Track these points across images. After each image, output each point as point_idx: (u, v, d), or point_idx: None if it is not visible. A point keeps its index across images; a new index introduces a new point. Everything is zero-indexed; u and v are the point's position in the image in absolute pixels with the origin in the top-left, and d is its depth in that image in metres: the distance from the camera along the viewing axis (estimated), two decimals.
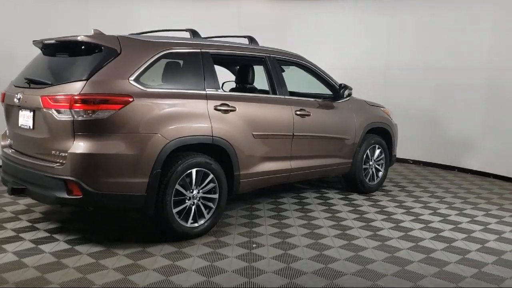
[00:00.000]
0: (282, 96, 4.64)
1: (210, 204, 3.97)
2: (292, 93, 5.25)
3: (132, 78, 3.56)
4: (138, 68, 3.62)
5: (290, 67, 5.28)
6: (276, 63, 4.72)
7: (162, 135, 3.60)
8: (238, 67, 5.23)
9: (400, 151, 7.75)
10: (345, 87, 5.17)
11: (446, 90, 7.44)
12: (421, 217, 4.75)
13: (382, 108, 5.94)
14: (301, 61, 5.05)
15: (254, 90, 4.85)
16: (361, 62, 8.27)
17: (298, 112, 4.68)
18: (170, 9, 7.64)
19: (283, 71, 5.33)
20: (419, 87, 7.75)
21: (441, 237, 4.17)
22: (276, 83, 4.63)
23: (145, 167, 3.53)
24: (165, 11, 7.61)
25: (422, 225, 4.47)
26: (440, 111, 7.54)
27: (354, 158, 5.43)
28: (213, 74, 4.07)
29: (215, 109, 3.98)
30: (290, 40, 8.02)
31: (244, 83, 4.81)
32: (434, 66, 7.53)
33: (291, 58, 4.96)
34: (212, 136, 3.91)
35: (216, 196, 4.00)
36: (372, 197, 5.53)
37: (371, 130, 5.63)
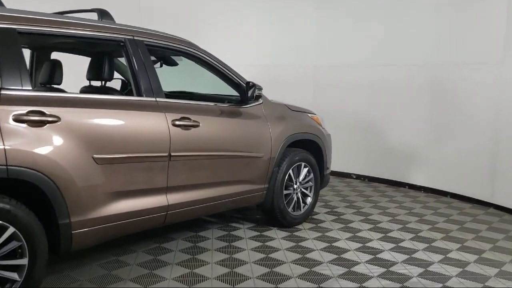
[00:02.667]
0: (151, 99, 3.14)
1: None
2: (174, 95, 3.80)
3: None
4: None
5: (184, 59, 3.82)
6: (145, 50, 3.22)
7: None
8: (91, 57, 3.62)
9: (341, 164, 6.44)
10: (253, 86, 3.73)
11: (389, 90, 6.18)
12: (357, 269, 3.37)
13: (309, 115, 4.55)
14: (189, 49, 3.56)
15: (112, 91, 3.34)
16: (285, 59, 6.92)
17: (177, 122, 3.19)
18: None
19: (161, 62, 3.86)
20: (358, 87, 6.46)
21: None
22: (142, 79, 3.13)
23: None
24: None
25: (357, 286, 3.09)
26: (384, 115, 6.27)
27: (270, 182, 4.00)
28: (18, 63, 2.53)
29: (17, 119, 2.44)
30: (203, 32, 6.58)
31: (93, 78, 3.30)
32: (370, 63, 6.26)
33: (173, 45, 3.46)
34: (7, 165, 2.37)
35: (24, 262, 2.46)
36: (296, 233, 4.12)
37: (294, 143, 4.24)
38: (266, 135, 3.90)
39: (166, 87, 4.69)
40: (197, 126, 3.32)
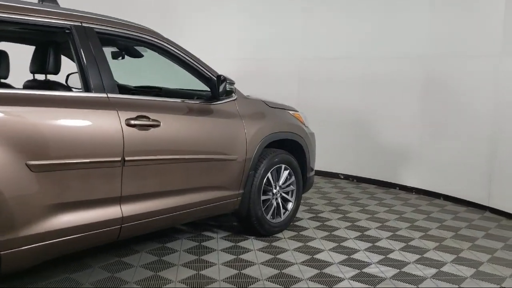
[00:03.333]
0: (101, 95, 2.71)
1: None
2: (139, 90, 3.42)
3: None
4: None
5: (148, 50, 3.40)
6: (95, 39, 2.78)
7: None
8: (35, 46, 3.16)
9: (328, 164, 6.06)
10: (224, 80, 3.31)
11: (380, 85, 5.79)
12: (340, 286, 2.98)
13: (290, 112, 4.15)
14: (150, 39, 3.12)
15: (57, 86, 2.91)
16: (269, 52, 6.51)
17: (133, 122, 2.77)
18: None
19: (123, 53, 3.47)
20: (346, 82, 6.06)
21: None
22: (91, 72, 2.71)
23: None
24: None
25: None
26: (375, 111, 5.88)
27: (245, 187, 3.60)
28: None
29: None
30: (186, 26, 6.15)
31: (37, 71, 2.87)
32: (360, 56, 5.87)
33: (130, 33, 3.02)
34: None
35: None
36: (275, 242, 3.72)
37: (273, 143, 3.84)
38: (241, 135, 3.49)
39: (139, 82, 4.30)
40: (157, 125, 2.90)
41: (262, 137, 3.67)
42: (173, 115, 3.05)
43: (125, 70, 4.07)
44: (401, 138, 5.67)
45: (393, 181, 5.82)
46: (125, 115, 2.74)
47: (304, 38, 6.38)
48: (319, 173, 6.29)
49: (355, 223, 4.30)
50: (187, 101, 3.26)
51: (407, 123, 5.59)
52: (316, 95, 6.30)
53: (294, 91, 6.44)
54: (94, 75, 2.69)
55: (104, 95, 2.70)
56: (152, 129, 2.87)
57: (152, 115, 2.88)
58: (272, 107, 3.94)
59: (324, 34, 6.21)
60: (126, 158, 2.72)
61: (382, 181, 5.91)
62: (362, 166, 6.09)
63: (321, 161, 5.85)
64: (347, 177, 6.25)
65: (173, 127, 3.02)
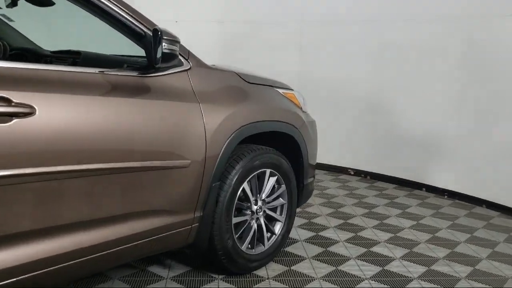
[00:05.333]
0: None
1: None
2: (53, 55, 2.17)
3: None
4: None
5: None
6: None
7: None
8: None
9: (335, 156, 4.80)
10: (160, 36, 1.97)
11: (404, 56, 4.45)
12: None
13: (280, 90, 2.83)
14: None
15: None
16: (262, 13, 5.17)
17: None
18: None
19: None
20: (360, 52, 4.72)
21: None
22: None
23: None
24: None
25: None
26: (397, 91, 4.56)
27: (205, 207, 2.31)
28: None
29: None
30: None
31: None
32: (379, 18, 4.52)
33: None
34: None
35: None
36: (255, 286, 2.48)
37: (252, 138, 2.54)
38: (195, 127, 2.19)
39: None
40: (28, 114, 1.61)
41: (234, 129, 2.37)
42: (63, 97, 1.75)
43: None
44: (430, 125, 4.35)
45: (418, 180, 4.53)
46: None
47: None
48: (323, 167, 5.01)
49: (371, 249, 3.03)
50: (109, 72, 1.96)
51: (439, 106, 4.27)
52: (321, 69, 4.97)
53: (295, 63, 5.10)
54: None
55: None
56: (16, 121, 1.58)
57: (18, 97, 1.59)
58: (252, 83, 2.63)
59: None
60: None
61: (404, 179, 4.62)
62: (378, 160, 4.79)
63: (326, 153, 4.57)
64: (358, 173, 4.96)
65: (61, 116, 1.72)
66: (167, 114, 2.09)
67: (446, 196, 4.32)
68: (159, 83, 2.10)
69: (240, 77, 2.55)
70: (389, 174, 4.73)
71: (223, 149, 2.32)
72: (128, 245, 2.00)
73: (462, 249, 3.11)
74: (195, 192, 2.24)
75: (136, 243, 2.05)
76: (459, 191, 4.23)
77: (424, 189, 4.49)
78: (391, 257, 2.92)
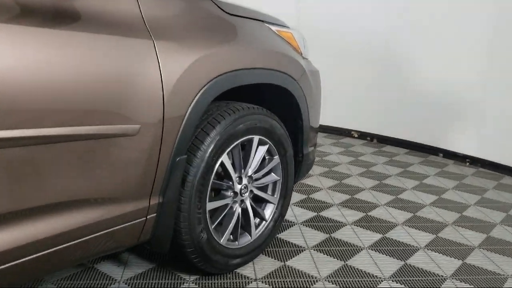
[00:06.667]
0: None
1: None
2: None
3: None
4: None
5: None
6: None
7: None
8: None
9: (337, 116, 4.13)
10: None
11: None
12: None
13: (273, 27, 2.08)
14: None
15: None
16: None
17: None
18: None
19: None
20: None
21: None
22: None
23: None
24: None
25: None
26: (411, 38, 3.83)
27: (167, 190, 1.62)
28: None
29: None
30: None
31: None
32: None
33: None
34: None
35: None
36: None
37: (230, 93, 1.83)
38: (147, 76, 1.46)
39: None
40: None
41: (207, 80, 1.66)
42: None
43: None
44: (452, 82, 3.65)
45: (434, 145, 3.87)
46: None
47: None
48: (320, 128, 4.33)
49: (387, 234, 2.39)
50: None
51: (464, 60, 3.55)
52: (322, 10, 4.19)
53: (291, 6, 4.32)
54: None
55: None
56: None
57: None
58: (233, 14, 1.88)
59: None
60: None
61: (417, 143, 3.96)
62: (386, 120, 4.11)
63: (324, 111, 3.88)
64: (363, 136, 4.28)
65: None
66: (99, 55, 1.37)
67: (468, 163, 3.68)
68: (86, 6, 1.36)
69: (216, 4, 1.80)
70: (399, 137, 4.06)
71: (190, 108, 1.61)
72: (50, 250, 1.33)
73: (498, 233, 2.48)
74: (149, 171, 1.54)
75: (61, 246, 1.37)
76: (484, 158, 3.58)
77: (441, 154, 3.84)
78: (414, 246, 2.29)
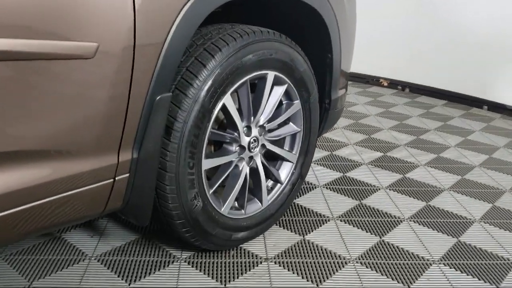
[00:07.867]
0: None
1: None
2: None
3: None
4: None
5: None
6: None
7: None
8: None
9: (362, 63, 3.60)
10: None
11: None
12: None
13: None
14: None
15: None
16: None
17: None
18: None
19: None
20: None
21: None
22: None
23: None
24: None
25: None
26: None
27: (141, 143, 1.15)
28: None
29: None
30: None
31: None
32: None
33: None
34: None
35: None
36: (251, 271, 1.40)
37: (234, 11, 1.32)
38: None
39: None
40: None
41: None
42: None
43: None
44: (500, 15, 3.06)
45: (478, 95, 3.33)
46: None
47: None
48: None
49: (431, 202, 1.92)
50: None
51: None
52: None
53: None
54: None
55: None
56: None
57: None
58: None
59: None
60: None
61: (457, 94, 3.42)
62: (420, 67, 3.55)
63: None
64: (393, 85, 3.74)
65: None
66: None
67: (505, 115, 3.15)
68: None
69: None
70: (435, 86, 3.51)
71: (174, 27, 1.11)
72: None
73: None
74: (116, 113, 1.07)
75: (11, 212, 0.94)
76: None
77: (486, 107, 3.30)
78: (469, 218, 1.81)
